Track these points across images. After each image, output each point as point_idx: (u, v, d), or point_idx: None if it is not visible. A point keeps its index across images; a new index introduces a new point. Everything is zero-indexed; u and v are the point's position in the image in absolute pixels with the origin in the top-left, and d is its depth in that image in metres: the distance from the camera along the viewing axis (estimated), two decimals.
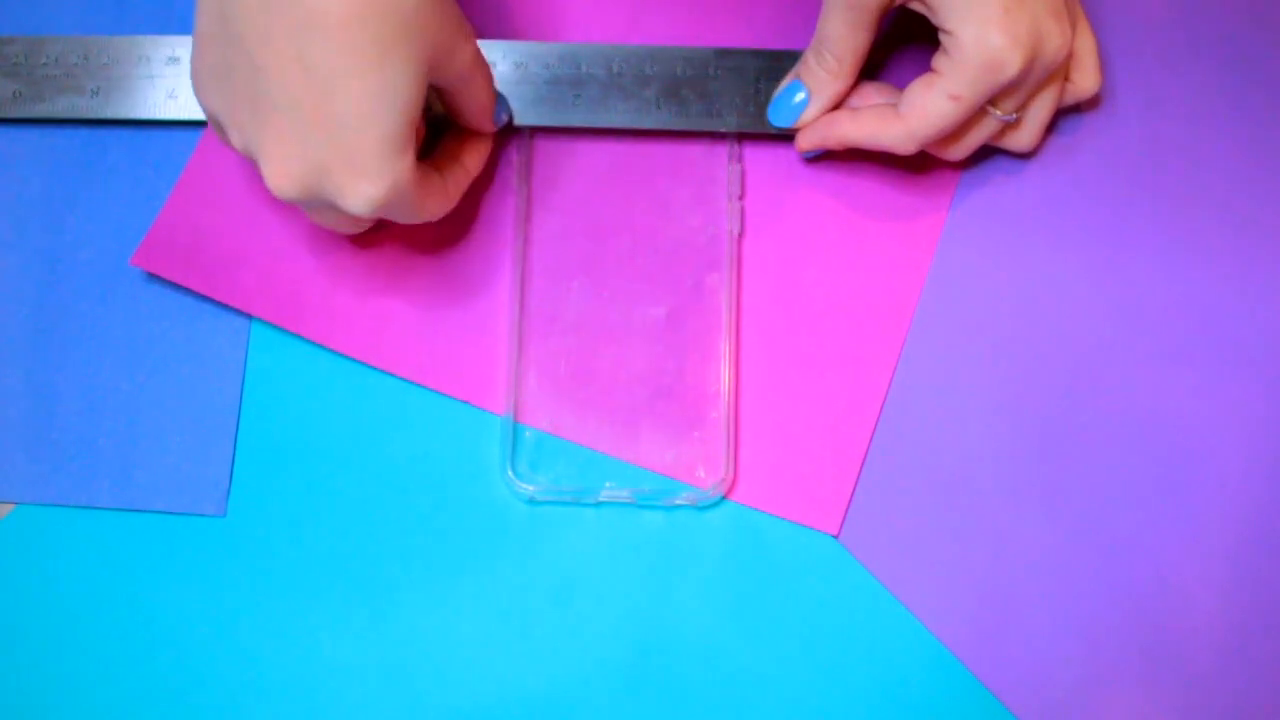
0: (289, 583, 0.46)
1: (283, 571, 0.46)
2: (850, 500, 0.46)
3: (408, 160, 0.41)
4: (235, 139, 0.41)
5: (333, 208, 0.42)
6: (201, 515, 0.46)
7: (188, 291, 0.48)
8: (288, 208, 0.48)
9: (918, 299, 0.48)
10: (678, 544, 0.46)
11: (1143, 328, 0.48)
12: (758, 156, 0.49)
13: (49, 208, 0.49)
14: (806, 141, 0.48)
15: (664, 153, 0.49)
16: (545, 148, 0.49)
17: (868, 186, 0.49)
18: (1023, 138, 0.47)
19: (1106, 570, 0.46)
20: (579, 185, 0.49)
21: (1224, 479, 0.47)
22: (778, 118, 0.47)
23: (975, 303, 0.48)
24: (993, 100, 0.44)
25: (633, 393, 0.47)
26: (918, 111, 0.44)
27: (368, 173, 0.40)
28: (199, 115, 0.48)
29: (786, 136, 0.48)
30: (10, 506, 0.46)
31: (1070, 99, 0.47)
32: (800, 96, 0.47)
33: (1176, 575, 0.46)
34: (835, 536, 0.46)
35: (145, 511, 0.46)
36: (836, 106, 0.47)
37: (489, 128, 0.46)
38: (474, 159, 0.47)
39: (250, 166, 0.49)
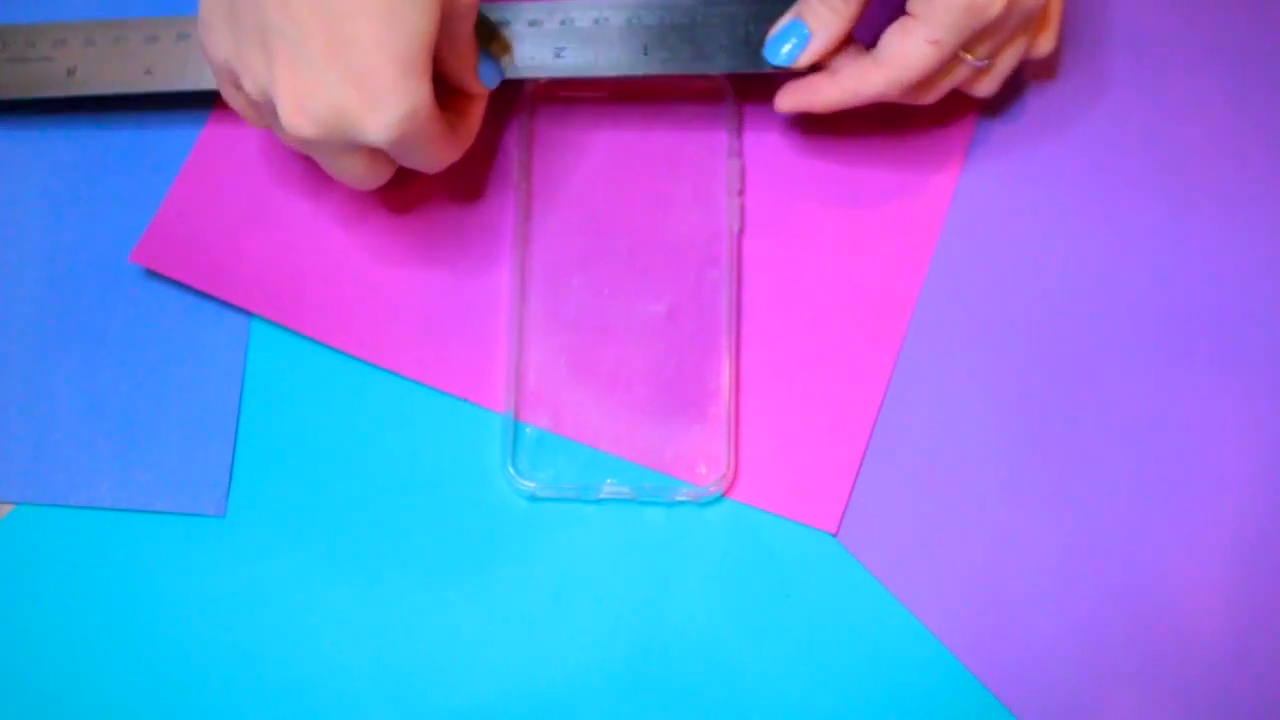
0: (289, 582, 0.46)
1: (283, 571, 0.46)
2: (849, 498, 0.46)
3: (425, 88, 0.40)
4: (249, 83, 0.41)
5: (351, 146, 0.41)
6: (201, 515, 0.46)
7: (187, 292, 0.48)
8: (287, 203, 0.48)
9: (918, 296, 0.48)
10: (678, 541, 0.46)
11: (1143, 327, 0.48)
12: (758, 153, 0.49)
13: (49, 208, 0.49)
14: (787, 103, 0.46)
15: (664, 149, 0.49)
16: (545, 144, 0.49)
17: (868, 183, 0.49)
18: (988, 84, 0.46)
19: (1107, 570, 0.46)
20: (579, 182, 0.49)
21: (1225, 478, 0.46)
22: (775, 57, 0.45)
23: (975, 300, 0.48)
24: (967, 45, 0.44)
25: (633, 389, 0.47)
26: (898, 59, 0.43)
27: (386, 99, 0.39)
28: (174, 88, 0.47)
29: (779, 81, 0.46)
30: (10, 506, 0.47)
31: (1028, 55, 0.46)
32: (799, 38, 0.45)
33: (1177, 575, 0.46)
34: (834, 535, 0.46)
35: (145, 511, 0.46)
36: (837, 49, 0.45)
37: (476, 87, 0.45)
38: (474, 115, 0.46)
39: (251, 162, 0.49)
